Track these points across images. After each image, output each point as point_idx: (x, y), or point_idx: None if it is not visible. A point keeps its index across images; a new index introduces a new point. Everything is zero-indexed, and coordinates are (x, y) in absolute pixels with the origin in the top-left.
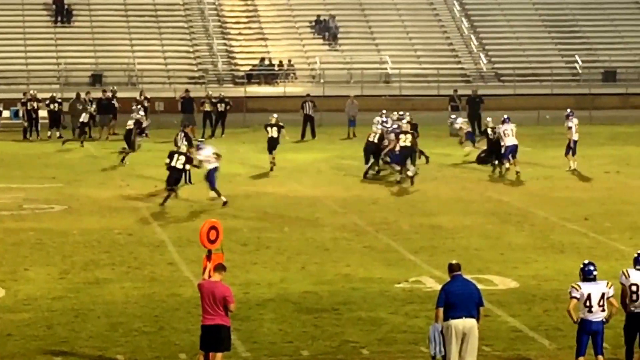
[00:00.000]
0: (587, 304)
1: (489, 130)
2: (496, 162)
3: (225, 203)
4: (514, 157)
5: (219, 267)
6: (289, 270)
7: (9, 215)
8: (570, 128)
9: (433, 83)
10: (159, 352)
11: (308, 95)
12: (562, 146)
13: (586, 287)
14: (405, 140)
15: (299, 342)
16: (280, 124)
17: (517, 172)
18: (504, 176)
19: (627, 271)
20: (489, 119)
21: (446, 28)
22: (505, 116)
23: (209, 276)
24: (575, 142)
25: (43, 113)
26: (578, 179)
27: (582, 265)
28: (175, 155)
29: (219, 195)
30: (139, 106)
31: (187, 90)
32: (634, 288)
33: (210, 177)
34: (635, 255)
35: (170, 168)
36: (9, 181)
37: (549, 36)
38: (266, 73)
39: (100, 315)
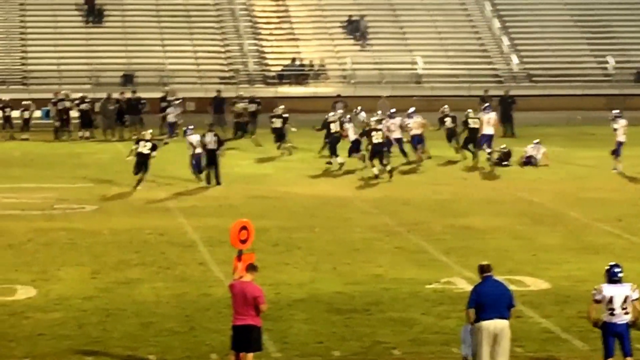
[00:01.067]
0: (610, 306)
1: (470, 121)
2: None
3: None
4: (489, 146)
5: (251, 268)
6: (320, 271)
7: (40, 215)
8: (616, 130)
9: (464, 83)
10: (190, 352)
11: (339, 95)
12: (594, 147)
13: (609, 290)
14: (377, 137)
15: (330, 342)
16: (285, 115)
17: (489, 159)
18: (482, 163)
19: None
20: (469, 110)
21: (478, 28)
22: (487, 104)
23: (240, 276)
24: (620, 143)
25: (75, 113)
26: (610, 180)
27: (607, 267)
28: (142, 142)
29: (198, 178)
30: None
31: (218, 91)
32: None
33: (195, 160)
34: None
35: (137, 154)
36: (40, 181)
37: (581, 36)
38: (297, 73)
39: (131, 315)
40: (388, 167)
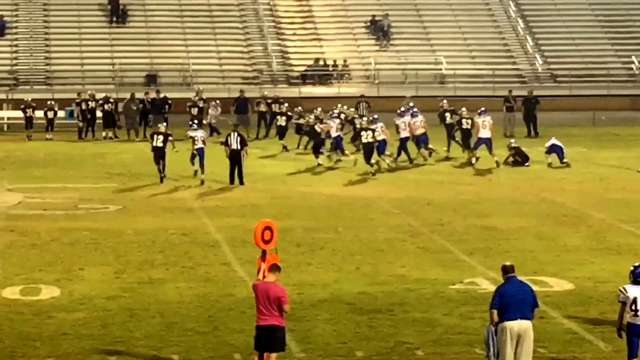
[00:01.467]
0: (633, 307)
1: (464, 121)
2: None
3: (202, 182)
4: (490, 150)
5: (274, 268)
6: (343, 271)
7: (64, 215)
8: None
9: (488, 84)
10: (214, 352)
11: (362, 95)
12: (618, 147)
13: (633, 290)
14: (367, 137)
15: (353, 342)
16: (289, 113)
17: (497, 162)
18: (473, 165)
19: None
20: (463, 109)
21: (501, 28)
22: (483, 108)
23: (264, 277)
24: None
25: (98, 113)
26: (634, 181)
27: (632, 268)
28: (155, 136)
29: (196, 172)
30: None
31: (241, 91)
32: None
33: (199, 156)
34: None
35: (153, 149)
36: (64, 181)
37: (605, 36)
38: (320, 73)
39: (154, 315)
40: (374, 168)
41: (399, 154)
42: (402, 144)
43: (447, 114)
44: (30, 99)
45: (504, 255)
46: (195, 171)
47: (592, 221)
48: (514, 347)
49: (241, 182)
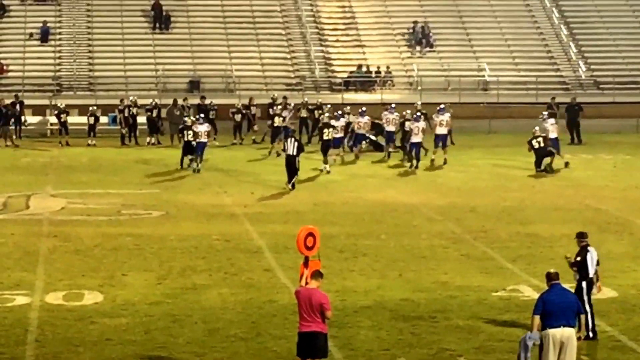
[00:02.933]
0: None
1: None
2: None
3: (197, 171)
4: (444, 146)
5: (316, 274)
6: (386, 278)
7: (107, 220)
8: None
9: (531, 91)
10: (256, 358)
11: (389, 104)
12: None
13: None
14: (327, 135)
15: (396, 349)
16: (284, 114)
17: (445, 159)
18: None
19: None
20: (417, 105)
21: (545, 35)
22: (442, 106)
23: (306, 283)
24: None
25: (141, 119)
26: None
27: None
28: (185, 131)
29: (199, 162)
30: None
31: (284, 97)
32: None
33: (199, 148)
34: None
35: (185, 143)
36: (107, 187)
37: None
38: (363, 80)
39: (197, 321)
40: (327, 167)
41: (416, 159)
42: (413, 148)
43: (407, 123)
44: (64, 105)
45: (547, 263)
46: (191, 160)
47: (635, 228)
48: (556, 355)
49: (292, 187)
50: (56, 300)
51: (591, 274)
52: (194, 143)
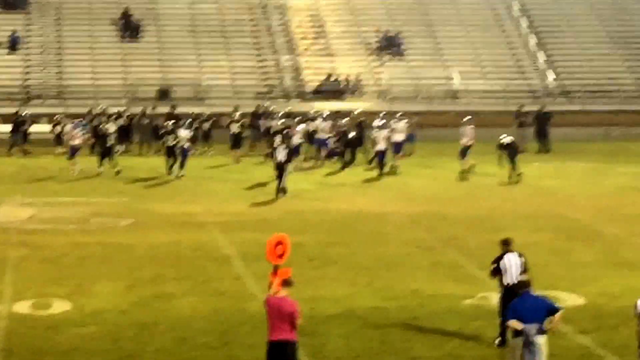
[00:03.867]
0: None
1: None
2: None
3: (181, 176)
4: (397, 152)
5: (286, 283)
6: (356, 286)
7: (76, 229)
8: None
9: (500, 99)
10: None
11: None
12: (630, 163)
13: None
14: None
15: (366, 357)
16: (245, 120)
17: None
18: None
19: None
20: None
21: (513, 44)
22: (399, 114)
23: (276, 291)
24: None
25: (112, 128)
26: None
27: None
28: (166, 136)
29: (181, 169)
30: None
31: (258, 105)
32: None
33: (183, 154)
34: None
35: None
36: (76, 195)
37: (616, 52)
38: (333, 89)
39: (166, 330)
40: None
41: (380, 167)
42: (378, 157)
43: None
44: (26, 113)
45: None
46: (171, 166)
47: (605, 236)
48: None
49: (280, 192)
50: (24, 309)
51: (509, 280)
52: (176, 149)
